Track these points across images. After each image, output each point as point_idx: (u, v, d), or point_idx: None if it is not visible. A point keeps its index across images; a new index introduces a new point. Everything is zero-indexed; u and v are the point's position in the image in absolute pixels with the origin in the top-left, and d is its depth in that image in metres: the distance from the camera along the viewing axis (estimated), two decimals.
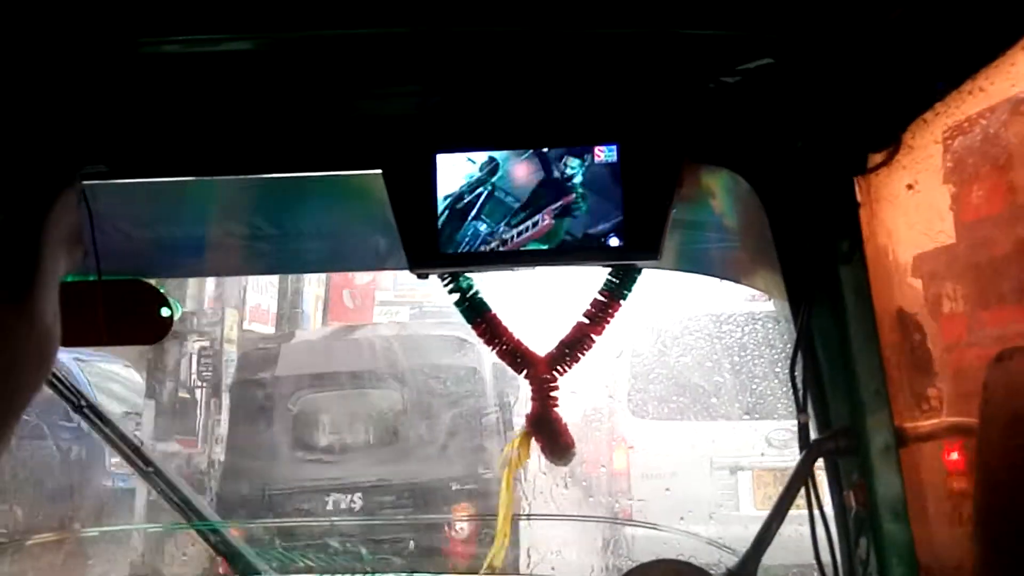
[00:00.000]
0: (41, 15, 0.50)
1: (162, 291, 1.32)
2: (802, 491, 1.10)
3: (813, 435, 1.10)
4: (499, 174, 1.11)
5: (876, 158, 1.01)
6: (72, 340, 1.42)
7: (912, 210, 0.98)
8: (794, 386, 1.10)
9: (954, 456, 1.02)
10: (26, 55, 0.47)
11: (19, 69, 0.46)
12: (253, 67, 1.07)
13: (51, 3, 0.51)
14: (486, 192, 1.11)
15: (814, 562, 1.10)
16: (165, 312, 1.30)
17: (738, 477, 3.17)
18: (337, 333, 6.69)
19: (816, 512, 1.10)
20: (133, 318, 1.28)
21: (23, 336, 0.47)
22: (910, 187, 0.96)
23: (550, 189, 1.11)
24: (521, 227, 1.11)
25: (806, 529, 1.08)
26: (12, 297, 0.45)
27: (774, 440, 3.08)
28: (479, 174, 1.11)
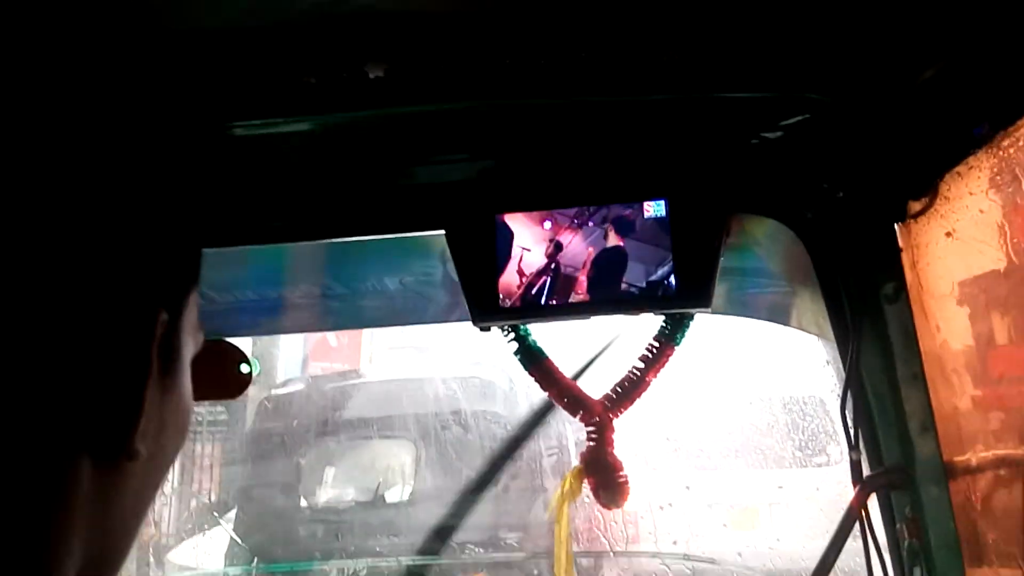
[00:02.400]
0: (125, 110, 0.55)
1: (241, 349, 1.39)
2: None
3: (866, 471, 1.14)
4: (564, 230, 1.18)
5: (915, 206, 1.06)
6: None
7: (953, 255, 1.03)
8: (845, 425, 1.15)
9: (1003, 488, 1.05)
10: (117, 154, 0.52)
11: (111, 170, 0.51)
12: (320, 143, 1.15)
13: (142, 99, 0.57)
14: (555, 251, 1.18)
15: None
16: (245, 368, 1.37)
17: (719, 509, 3.83)
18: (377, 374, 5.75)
19: (871, 544, 1.14)
20: (216, 375, 1.35)
21: (172, 412, 0.54)
22: (948, 234, 1.01)
23: (613, 244, 1.17)
24: (586, 281, 1.17)
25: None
26: (166, 384, 0.52)
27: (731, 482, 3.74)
28: (543, 233, 1.18)
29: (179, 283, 0.55)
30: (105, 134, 0.52)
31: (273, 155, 1.16)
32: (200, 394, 1.40)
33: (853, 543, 1.15)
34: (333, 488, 4.30)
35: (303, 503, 4.23)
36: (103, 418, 0.48)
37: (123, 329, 0.49)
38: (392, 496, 4.21)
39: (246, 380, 1.42)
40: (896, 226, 1.10)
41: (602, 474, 1.29)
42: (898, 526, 1.14)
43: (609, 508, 1.34)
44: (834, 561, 1.15)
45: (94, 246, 0.49)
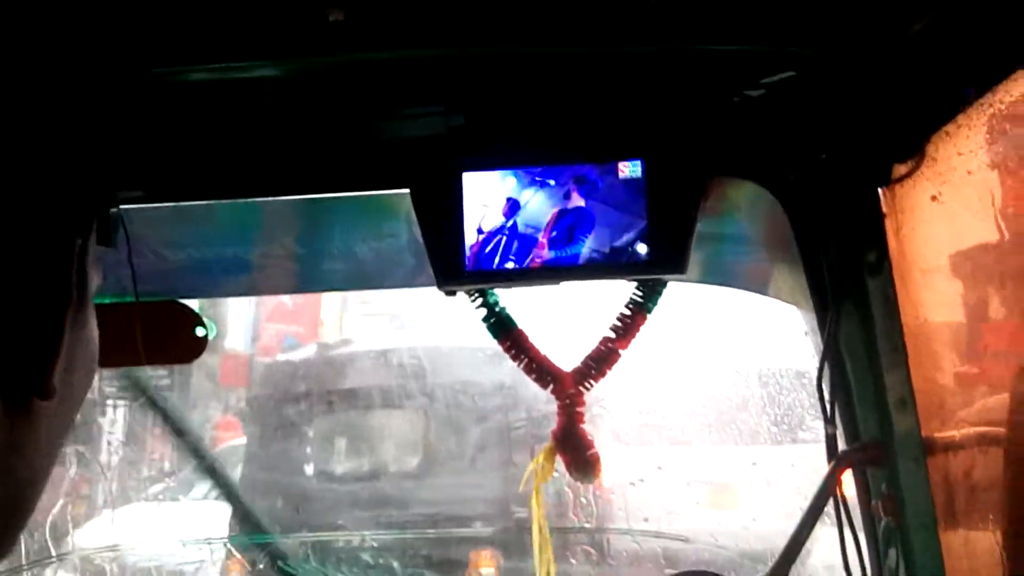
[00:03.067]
0: (71, 48, 0.53)
1: (197, 311, 1.34)
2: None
3: (842, 446, 1.10)
4: (525, 190, 1.13)
5: (900, 169, 1.02)
6: (111, 362, 1.47)
7: (937, 220, 0.99)
8: (821, 397, 1.11)
9: (982, 466, 1.02)
10: (56, 88, 0.51)
11: (51, 101, 0.49)
12: (279, 92, 1.10)
13: (79, 35, 0.54)
14: (512, 210, 1.13)
15: (843, 573, 1.10)
16: (200, 332, 1.32)
17: (692, 486, 3.71)
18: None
19: (844, 523, 1.10)
20: (169, 338, 1.31)
21: (82, 349, 0.51)
22: (934, 198, 0.97)
23: (575, 205, 1.12)
24: (547, 243, 1.13)
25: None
26: (76, 319, 0.49)
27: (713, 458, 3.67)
28: (511, 194, 1.13)
29: (90, 207, 0.51)
30: (30, 68, 0.49)
31: (231, 104, 1.10)
32: (153, 358, 1.36)
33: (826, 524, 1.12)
34: (340, 458, 4.27)
35: (309, 472, 4.18)
36: (17, 353, 0.46)
37: (40, 255, 0.47)
38: (398, 467, 4.20)
39: (202, 344, 1.38)
40: (880, 191, 1.05)
41: (574, 451, 1.26)
42: (873, 503, 1.10)
43: (582, 482, 1.32)
44: (806, 539, 1.11)
45: (6, 168, 0.46)
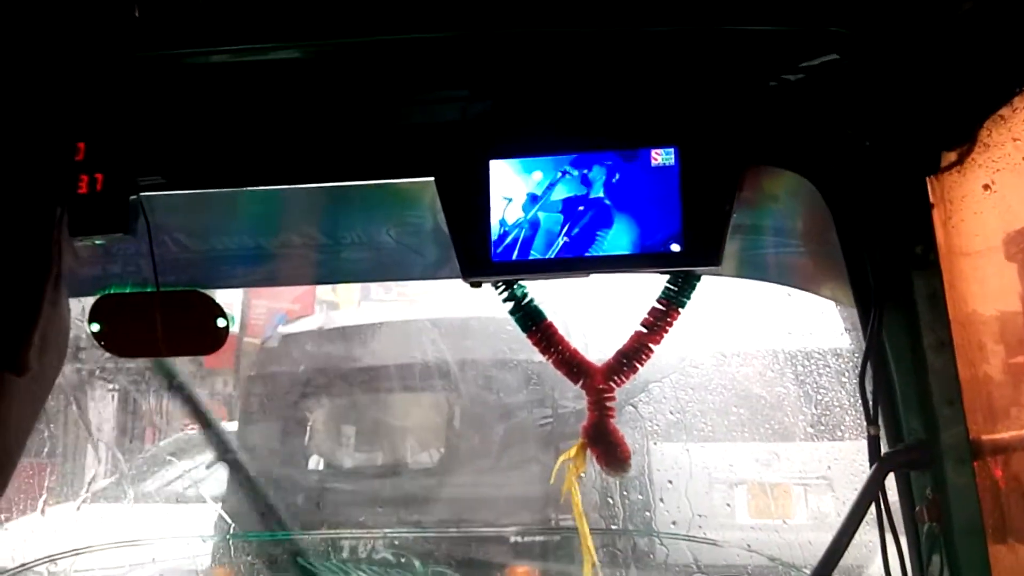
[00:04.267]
0: (90, 34, 0.52)
1: (217, 301, 1.32)
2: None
3: (884, 448, 1.05)
4: (555, 181, 1.09)
5: (950, 157, 0.97)
6: (132, 351, 1.45)
7: (990, 210, 0.94)
8: (863, 397, 1.06)
9: None
10: (81, 75, 0.50)
11: (69, 88, 0.50)
12: (302, 77, 1.07)
13: (93, 17, 0.53)
14: (541, 201, 1.09)
15: None
16: (221, 322, 1.30)
17: (735, 490, 3.48)
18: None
19: (887, 528, 1.06)
20: (190, 328, 1.28)
21: (55, 329, 0.50)
22: (986, 187, 0.92)
23: (607, 195, 1.08)
24: (577, 234, 1.09)
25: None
26: (51, 298, 0.49)
27: (761, 459, 3.41)
28: (535, 182, 1.09)
29: (62, 188, 0.50)
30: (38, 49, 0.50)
31: (254, 90, 1.08)
32: (174, 348, 1.33)
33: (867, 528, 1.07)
34: (348, 449, 3.80)
35: (312, 465, 3.71)
36: None
37: (18, 234, 0.46)
38: (418, 461, 3.73)
39: (223, 334, 1.35)
40: (928, 180, 1.00)
41: (605, 445, 1.22)
42: (917, 508, 1.05)
43: (613, 476, 1.29)
44: (847, 545, 1.06)
45: None
